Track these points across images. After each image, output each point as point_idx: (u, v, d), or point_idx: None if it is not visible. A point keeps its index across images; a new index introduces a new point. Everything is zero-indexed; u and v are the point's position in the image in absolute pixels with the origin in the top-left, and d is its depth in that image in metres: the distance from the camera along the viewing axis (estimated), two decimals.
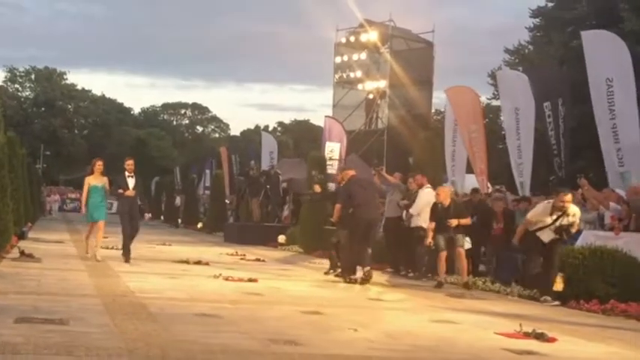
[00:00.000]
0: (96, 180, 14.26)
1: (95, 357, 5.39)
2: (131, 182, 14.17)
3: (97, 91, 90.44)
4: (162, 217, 43.28)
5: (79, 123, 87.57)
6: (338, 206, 13.24)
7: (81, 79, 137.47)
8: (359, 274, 12.53)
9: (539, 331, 7.59)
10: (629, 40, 14.37)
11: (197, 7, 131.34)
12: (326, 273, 13.97)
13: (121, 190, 14.11)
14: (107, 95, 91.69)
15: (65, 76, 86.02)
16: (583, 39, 14.96)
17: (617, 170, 13.91)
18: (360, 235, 12.73)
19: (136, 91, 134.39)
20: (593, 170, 19.58)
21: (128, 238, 14.25)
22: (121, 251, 14.38)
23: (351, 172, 13.61)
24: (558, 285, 10.63)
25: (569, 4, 31.78)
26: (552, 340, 7.41)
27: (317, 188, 15.83)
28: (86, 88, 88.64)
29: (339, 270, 13.47)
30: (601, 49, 14.36)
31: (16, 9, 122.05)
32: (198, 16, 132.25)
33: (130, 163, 14.32)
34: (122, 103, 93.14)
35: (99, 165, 14.43)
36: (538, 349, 6.99)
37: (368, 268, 12.52)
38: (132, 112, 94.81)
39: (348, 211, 12.89)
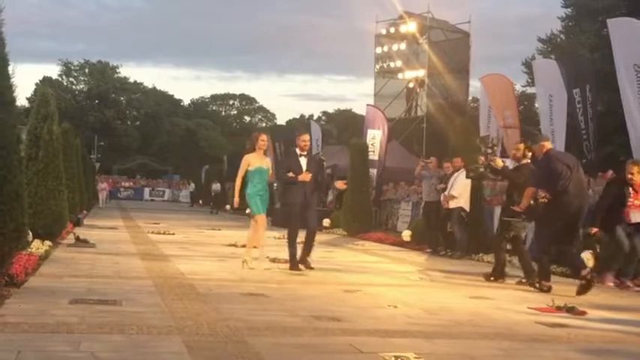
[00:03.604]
0: (260, 160, 10.70)
1: (146, 335, 5.44)
2: (304, 163, 10.72)
3: (148, 84, 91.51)
4: (211, 204, 43.54)
5: (131, 115, 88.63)
6: (530, 190, 9.51)
7: (128, 72, 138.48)
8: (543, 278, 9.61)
9: (571, 305, 7.64)
10: None
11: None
12: (489, 279, 10.34)
13: (291, 174, 10.62)
14: (158, 88, 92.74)
15: (118, 70, 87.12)
16: (609, 26, 14.67)
17: None
18: (561, 231, 9.24)
19: (182, 83, 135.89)
20: (623, 154, 19.29)
21: (296, 235, 10.88)
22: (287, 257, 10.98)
23: (548, 145, 9.76)
24: (589, 262, 10.49)
25: None
26: (583, 313, 7.44)
27: (498, 162, 10.59)
28: (138, 81, 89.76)
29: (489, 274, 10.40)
30: (627, 36, 14.04)
31: (61, 3, 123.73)
32: (239, 8, 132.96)
33: (304, 139, 10.78)
34: (172, 95, 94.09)
35: (263, 140, 10.72)
36: (569, 322, 7.03)
37: (588, 269, 9.23)
38: (182, 104, 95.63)
39: (538, 198, 9.44)
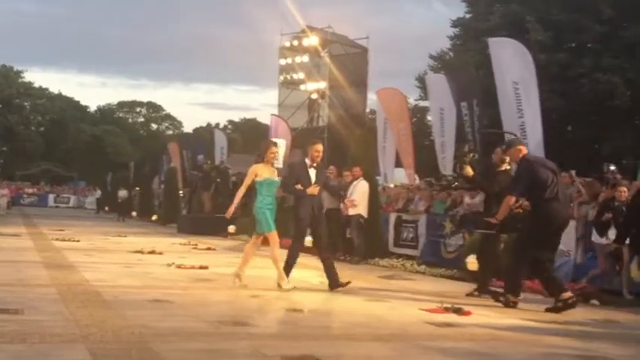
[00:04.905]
0: (269, 171, 9.53)
1: (49, 344, 5.26)
2: (313, 175, 9.58)
3: (53, 89, 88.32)
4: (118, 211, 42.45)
5: (35, 120, 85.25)
6: (510, 199, 8.41)
7: (33, 77, 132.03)
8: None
9: (457, 306, 7.92)
10: (534, 49, 14.72)
11: (145, 9, 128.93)
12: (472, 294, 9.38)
13: (299, 186, 9.54)
14: (64, 93, 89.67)
15: (22, 74, 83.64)
16: (490, 46, 15.24)
17: None
18: (543, 242, 8.34)
19: (88, 90, 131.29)
20: None
21: (298, 253, 9.92)
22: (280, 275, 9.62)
23: (524, 149, 8.76)
24: (473, 265, 10.63)
25: (484, 16, 33.05)
26: (468, 313, 7.72)
27: (469, 171, 9.43)
28: (43, 87, 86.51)
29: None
30: (507, 54, 14.63)
31: None
32: (147, 17, 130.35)
33: (317, 149, 9.55)
34: (79, 102, 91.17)
35: (272, 153, 9.63)
36: (456, 321, 7.30)
37: (570, 292, 8.34)
38: (88, 110, 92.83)
39: (513, 208, 8.57)
